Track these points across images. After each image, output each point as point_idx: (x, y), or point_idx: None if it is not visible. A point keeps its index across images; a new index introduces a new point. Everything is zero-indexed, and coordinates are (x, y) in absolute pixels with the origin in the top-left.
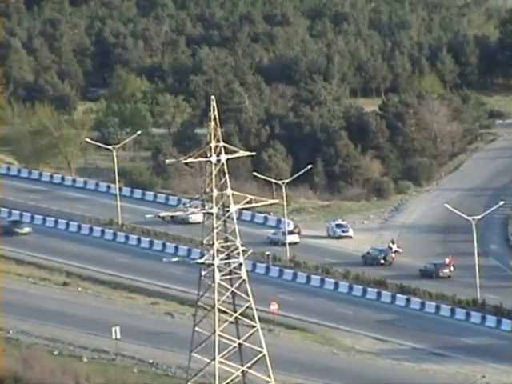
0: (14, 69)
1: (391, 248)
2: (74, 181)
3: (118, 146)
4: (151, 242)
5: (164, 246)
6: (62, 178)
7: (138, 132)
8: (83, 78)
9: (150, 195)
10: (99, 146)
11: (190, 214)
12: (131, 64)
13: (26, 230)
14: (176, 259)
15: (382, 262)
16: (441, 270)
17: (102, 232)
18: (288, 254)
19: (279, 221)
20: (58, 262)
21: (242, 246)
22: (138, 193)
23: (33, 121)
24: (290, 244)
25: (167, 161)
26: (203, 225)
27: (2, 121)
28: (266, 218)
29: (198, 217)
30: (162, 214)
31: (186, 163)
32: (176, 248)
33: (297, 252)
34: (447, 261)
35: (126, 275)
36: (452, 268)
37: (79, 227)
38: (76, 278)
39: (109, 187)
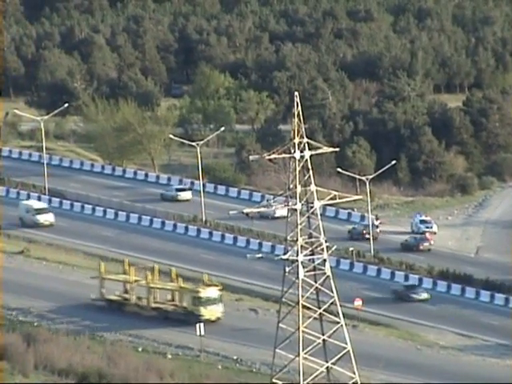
0: (97, 66)
1: (375, 224)
2: (157, 177)
3: (201, 142)
4: (235, 239)
5: (248, 242)
6: (146, 175)
7: (222, 128)
8: (167, 74)
9: (233, 191)
10: (183, 143)
11: (274, 210)
12: (215, 60)
13: (425, 295)
14: (260, 255)
15: (367, 236)
16: (421, 243)
17: (186, 228)
18: (372, 250)
19: (363, 217)
20: (141, 259)
21: (326, 242)
22: (221, 189)
23: (116, 117)
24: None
25: (251, 157)
26: (287, 221)
27: (86, 118)
28: (349, 214)
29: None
30: (246, 211)
31: (270, 159)
32: (260, 244)
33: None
34: (427, 235)
35: (210, 271)
36: (432, 242)
37: (163, 224)
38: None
39: (192, 184)
